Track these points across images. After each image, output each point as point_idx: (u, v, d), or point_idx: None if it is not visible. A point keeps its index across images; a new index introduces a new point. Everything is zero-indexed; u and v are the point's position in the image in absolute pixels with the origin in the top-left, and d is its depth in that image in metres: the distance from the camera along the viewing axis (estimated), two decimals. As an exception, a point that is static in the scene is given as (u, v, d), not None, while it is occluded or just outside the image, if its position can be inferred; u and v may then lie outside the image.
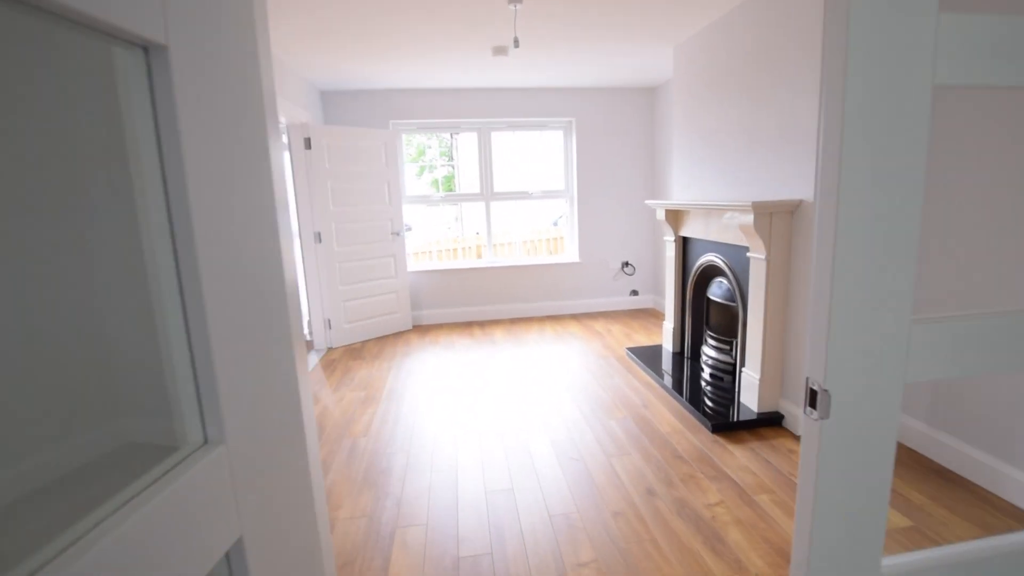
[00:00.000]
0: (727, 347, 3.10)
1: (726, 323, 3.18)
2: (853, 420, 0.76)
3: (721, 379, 3.10)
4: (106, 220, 0.45)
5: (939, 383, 2.19)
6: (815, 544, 0.80)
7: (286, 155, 4.43)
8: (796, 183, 2.46)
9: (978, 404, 2.05)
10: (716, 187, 3.19)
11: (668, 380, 3.21)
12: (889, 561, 0.83)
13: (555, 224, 6.04)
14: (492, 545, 1.85)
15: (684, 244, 3.55)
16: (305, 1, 2.63)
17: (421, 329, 4.87)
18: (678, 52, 3.56)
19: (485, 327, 4.85)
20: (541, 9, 2.82)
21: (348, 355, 4.17)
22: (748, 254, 2.66)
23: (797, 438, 2.49)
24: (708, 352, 3.27)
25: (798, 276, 2.49)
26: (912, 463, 2.21)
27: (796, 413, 2.53)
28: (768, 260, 2.52)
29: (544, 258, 5.38)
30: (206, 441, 0.49)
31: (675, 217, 3.52)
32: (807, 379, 0.78)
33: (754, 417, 2.61)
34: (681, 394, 2.98)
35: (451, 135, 5.21)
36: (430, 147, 5.54)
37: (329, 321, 4.34)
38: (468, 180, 5.15)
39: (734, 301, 2.95)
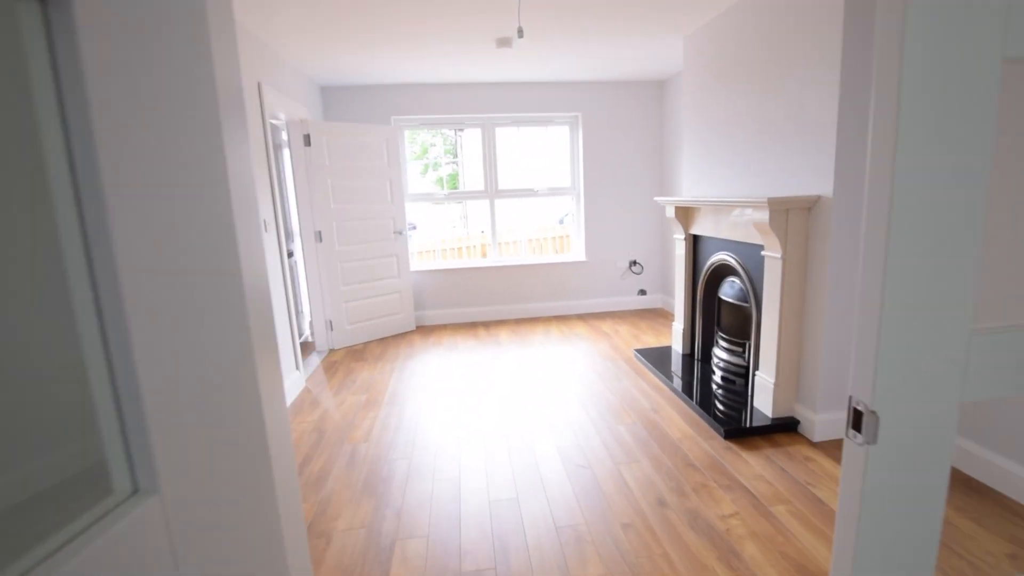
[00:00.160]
0: (739, 349, 2.99)
1: (738, 324, 3.08)
2: (904, 445, 0.67)
3: (733, 382, 3.00)
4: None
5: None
6: (858, 585, 0.70)
7: (286, 153, 4.36)
8: (812, 178, 2.35)
9: (1007, 410, 1.93)
10: (728, 183, 3.08)
11: (678, 383, 3.11)
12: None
13: (561, 222, 5.94)
14: (496, 559, 1.77)
15: (694, 242, 3.44)
16: (301, -8, 2.54)
17: (424, 330, 4.79)
18: (688, 43, 3.44)
19: (490, 328, 4.77)
20: (546, -1, 2.72)
21: (350, 357, 4.10)
22: (763, 253, 2.56)
23: (813, 445, 2.39)
24: (719, 354, 3.16)
25: (815, 276, 2.38)
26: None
27: (812, 419, 2.42)
28: (784, 259, 2.41)
29: (550, 257, 5.28)
30: (136, 490, 0.40)
31: (685, 214, 3.42)
32: (850, 398, 0.69)
33: (768, 423, 2.51)
34: (691, 398, 2.88)
35: (455, 132, 5.12)
36: (434, 145, 5.45)
37: (331, 322, 4.27)
38: (472, 178, 5.06)
39: (747, 302, 2.84)
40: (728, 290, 3.10)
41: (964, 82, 0.58)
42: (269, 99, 3.26)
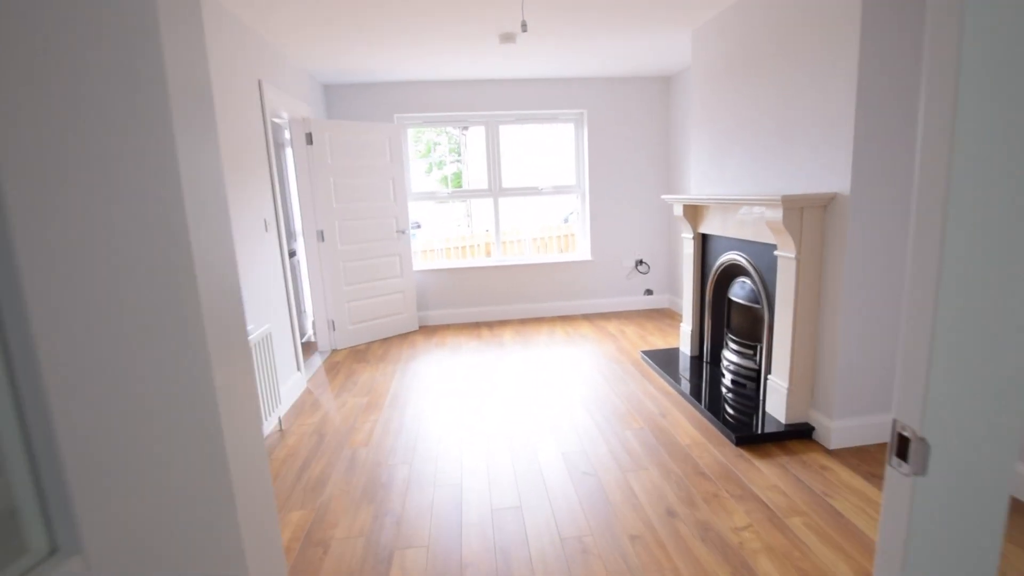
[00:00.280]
0: (750, 352, 2.91)
1: (749, 326, 2.99)
2: (958, 476, 0.59)
3: (744, 386, 2.91)
4: None
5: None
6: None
7: (288, 151, 4.30)
8: (827, 175, 2.26)
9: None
10: (738, 180, 2.99)
11: (686, 386, 3.03)
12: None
13: (566, 221, 5.86)
14: (498, 572, 1.70)
15: (703, 241, 3.35)
16: (300, -14, 2.48)
17: (428, 330, 4.73)
18: (696, 36, 3.35)
19: (493, 328, 4.70)
20: (551, -9, 2.64)
21: (352, 357, 4.04)
22: (776, 252, 2.47)
23: (829, 452, 2.30)
24: (729, 357, 3.08)
25: (831, 276, 2.29)
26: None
27: (828, 425, 2.33)
28: (798, 259, 2.32)
29: (554, 256, 5.20)
30: (54, 550, 0.33)
31: (694, 213, 3.33)
32: (895, 422, 0.61)
33: (782, 429, 2.42)
34: (700, 402, 2.80)
35: (460, 131, 5.05)
36: (439, 144, 5.38)
37: (333, 322, 4.21)
38: (477, 176, 4.99)
39: (758, 303, 2.75)
40: (738, 291, 3.02)
41: (1036, 61, 0.50)
42: (270, 97, 3.20)
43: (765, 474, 2.16)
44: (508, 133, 4.87)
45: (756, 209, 2.63)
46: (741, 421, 2.54)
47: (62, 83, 0.35)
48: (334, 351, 4.21)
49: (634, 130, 4.84)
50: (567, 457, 2.39)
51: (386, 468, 2.38)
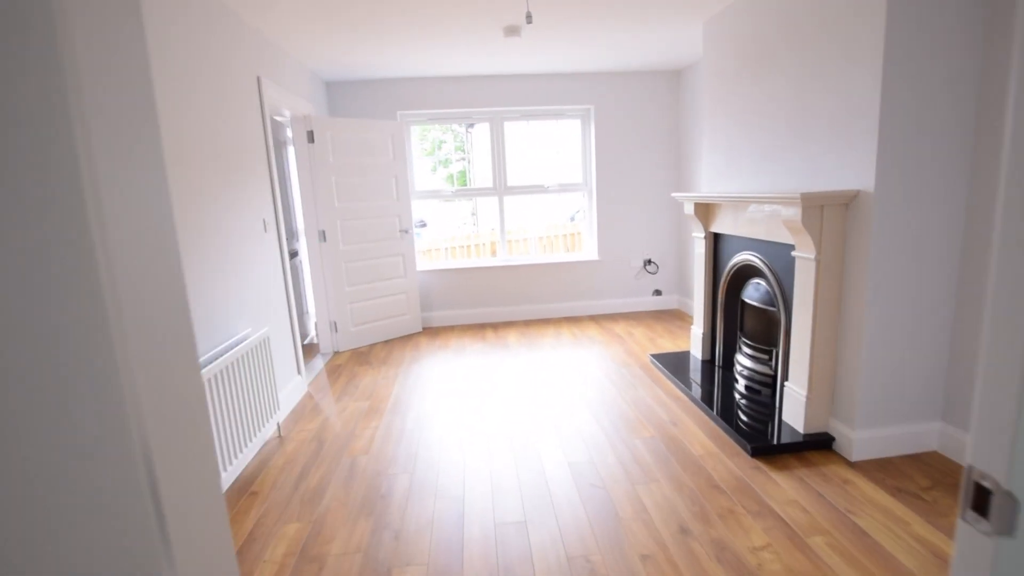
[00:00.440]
0: (765, 357, 2.79)
1: (764, 330, 2.87)
2: (1050, 538, 0.48)
3: (758, 392, 2.79)
4: None
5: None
6: None
7: (290, 150, 4.23)
8: (848, 171, 2.14)
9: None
10: (752, 177, 2.87)
11: (697, 391, 2.91)
12: None
13: (572, 219, 5.74)
14: (501, 594, 1.60)
15: (715, 241, 3.23)
16: (296, -23, 2.39)
17: (431, 332, 4.64)
18: (708, 27, 3.23)
19: (498, 329, 4.60)
20: (557, -19, 2.53)
21: (354, 360, 3.96)
22: (793, 253, 2.35)
23: (851, 465, 2.18)
24: (743, 361, 2.96)
25: (853, 278, 2.16)
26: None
27: (850, 436, 2.21)
28: (818, 260, 2.20)
29: (561, 256, 5.09)
30: None
31: (705, 211, 3.21)
32: (970, 468, 0.50)
33: (800, 439, 2.30)
34: (713, 409, 2.68)
35: (466, 128, 4.95)
36: (445, 142, 5.29)
37: (335, 324, 4.14)
38: (482, 174, 4.89)
39: (774, 305, 2.63)
40: (752, 293, 2.90)
41: None
42: (270, 94, 3.12)
43: (783, 488, 2.04)
44: (513, 130, 4.77)
45: (772, 207, 2.51)
46: (756, 430, 2.42)
47: None
48: (336, 353, 4.14)
49: (643, 126, 4.72)
50: (574, 467, 2.29)
51: (386, 478, 2.29)
